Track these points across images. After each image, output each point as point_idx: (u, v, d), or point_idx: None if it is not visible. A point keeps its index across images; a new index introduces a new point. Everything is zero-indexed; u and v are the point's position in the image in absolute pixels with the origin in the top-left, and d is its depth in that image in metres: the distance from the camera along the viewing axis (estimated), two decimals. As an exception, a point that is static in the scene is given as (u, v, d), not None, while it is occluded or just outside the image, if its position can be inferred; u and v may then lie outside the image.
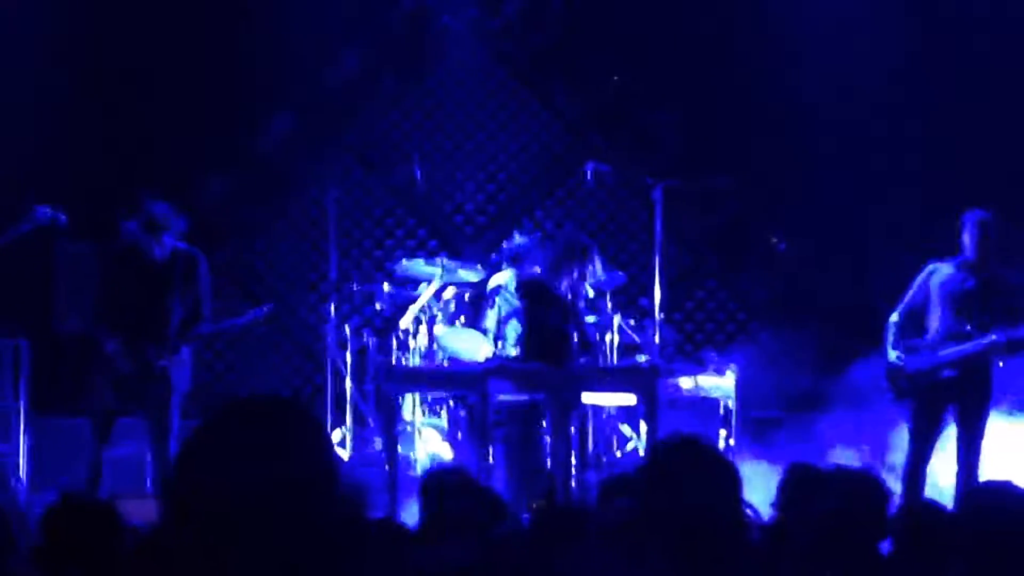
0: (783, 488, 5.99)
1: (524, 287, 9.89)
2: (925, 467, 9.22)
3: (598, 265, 9.76)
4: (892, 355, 9.34)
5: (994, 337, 9.06)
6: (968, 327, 9.14)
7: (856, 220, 12.85)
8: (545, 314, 9.56)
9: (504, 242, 11.18)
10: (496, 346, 10.23)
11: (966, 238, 9.19)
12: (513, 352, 9.98)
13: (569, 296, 9.59)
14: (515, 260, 10.49)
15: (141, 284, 9.19)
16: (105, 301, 9.30)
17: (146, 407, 9.23)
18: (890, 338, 9.37)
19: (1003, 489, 4.52)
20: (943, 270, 9.28)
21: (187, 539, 2.32)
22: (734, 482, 3.49)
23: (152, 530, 4.87)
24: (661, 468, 3.59)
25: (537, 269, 10.07)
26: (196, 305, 9.30)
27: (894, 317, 9.41)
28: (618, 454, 10.95)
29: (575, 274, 9.61)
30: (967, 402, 9.19)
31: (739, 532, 3.44)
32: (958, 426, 9.22)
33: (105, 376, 9.20)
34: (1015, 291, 9.17)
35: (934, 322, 9.28)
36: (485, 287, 10.72)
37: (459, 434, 10.95)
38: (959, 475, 9.13)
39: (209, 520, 2.31)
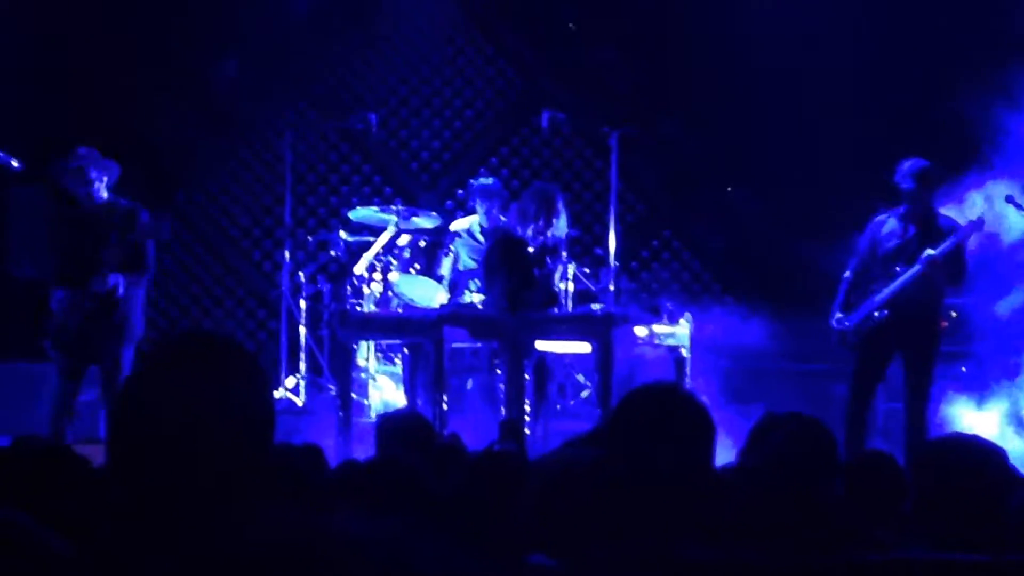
0: (752, 436, 5.90)
1: (496, 235, 9.80)
2: (865, 413, 9.19)
3: (564, 219, 9.66)
4: (834, 319, 9.35)
5: (918, 267, 9.09)
6: (899, 268, 9.19)
7: (807, 169, 12.85)
8: (513, 264, 9.46)
9: (459, 191, 11.16)
10: (452, 294, 10.21)
11: (906, 186, 9.21)
12: (471, 301, 9.95)
13: (539, 246, 9.51)
14: (462, 204, 10.42)
15: (75, 231, 9.14)
16: (51, 247, 9.26)
17: (99, 355, 9.19)
18: (840, 296, 9.39)
19: (956, 441, 4.56)
20: (888, 222, 9.32)
21: (131, 476, 2.34)
22: (709, 431, 3.40)
23: (101, 469, 4.84)
24: (634, 414, 3.44)
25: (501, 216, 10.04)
26: (137, 251, 9.22)
27: (847, 274, 9.44)
28: (571, 403, 10.98)
29: (542, 224, 9.50)
30: (908, 344, 9.15)
31: (710, 481, 3.38)
32: (904, 371, 9.20)
33: (60, 323, 9.15)
34: (947, 234, 9.19)
35: (876, 273, 9.32)
36: (440, 234, 10.70)
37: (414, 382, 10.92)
38: (906, 421, 9.14)
39: (151, 456, 2.32)
